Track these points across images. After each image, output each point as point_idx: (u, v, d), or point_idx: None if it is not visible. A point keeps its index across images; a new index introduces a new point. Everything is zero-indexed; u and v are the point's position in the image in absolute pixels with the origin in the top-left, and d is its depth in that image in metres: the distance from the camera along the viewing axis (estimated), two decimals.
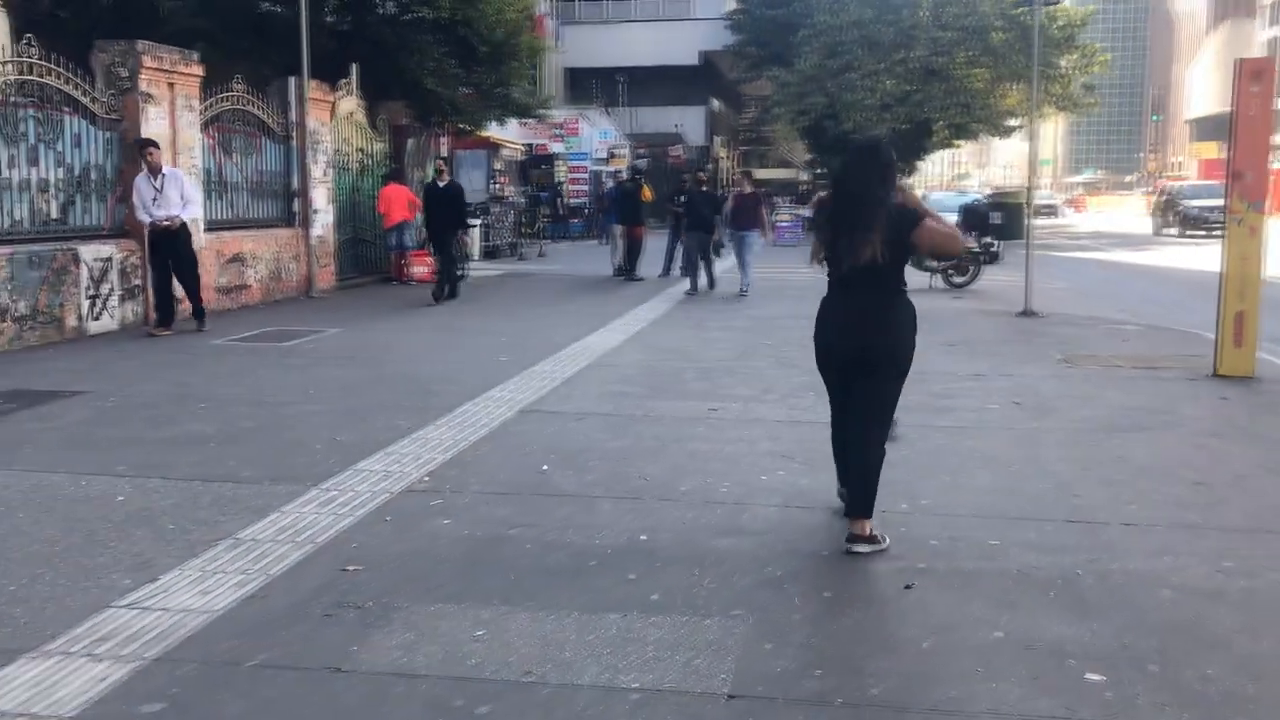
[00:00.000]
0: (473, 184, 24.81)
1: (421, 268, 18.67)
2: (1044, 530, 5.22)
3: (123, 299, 12.03)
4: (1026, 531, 5.19)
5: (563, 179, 35.08)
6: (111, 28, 19.15)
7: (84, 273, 11.38)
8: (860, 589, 4.48)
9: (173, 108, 12.72)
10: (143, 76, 12.19)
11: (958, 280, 18.23)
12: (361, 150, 18.48)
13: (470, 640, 3.91)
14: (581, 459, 6.47)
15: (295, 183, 15.84)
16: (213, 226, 13.84)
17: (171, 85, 12.70)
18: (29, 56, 10.97)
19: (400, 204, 18.28)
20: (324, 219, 16.49)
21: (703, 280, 16.70)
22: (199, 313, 11.99)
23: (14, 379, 8.86)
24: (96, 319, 11.60)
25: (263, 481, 5.92)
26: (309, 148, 15.91)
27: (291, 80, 15.72)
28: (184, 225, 11.40)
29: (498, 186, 25.23)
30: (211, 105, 13.80)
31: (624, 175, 24.73)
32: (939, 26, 35.92)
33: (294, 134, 15.74)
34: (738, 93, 56.40)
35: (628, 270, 19.51)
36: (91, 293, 11.52)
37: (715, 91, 55.33)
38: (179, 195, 11.18)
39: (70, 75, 11.46)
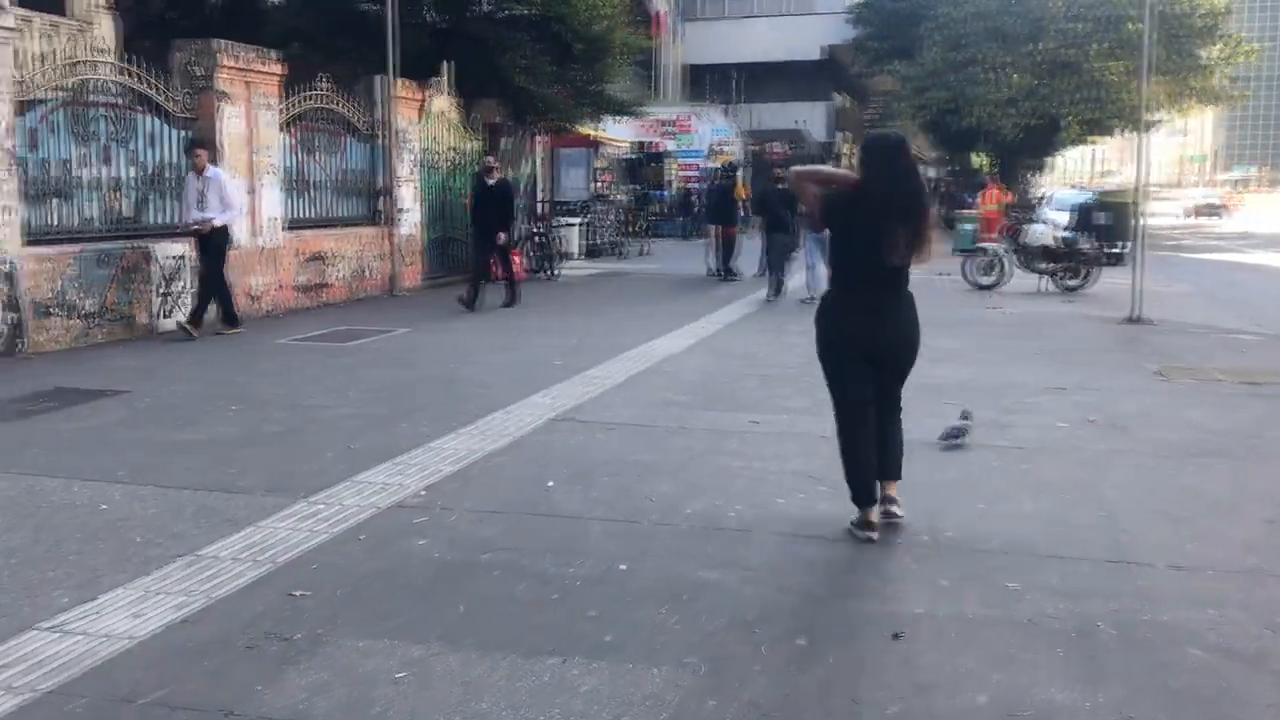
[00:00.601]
0: (572, 183, 24.69)
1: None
2: (1075, 571, 4.64)
3: (193, 297, 12.11)
4: (1054, 572, 4.62)
5: (672, 176, 34.74)
6: (219, 29, 19.58)
7: (155, 271, 11.48)
8: (841, 636, 4.00)
9: (250, 106, 12.78)
10: (219, 75, 12.25)
11: (1070, 283, 17.27)
12: (454, 149, 18.41)
13: (387, 683, 3.58)
14: (593, 475, 6.10)
15: (381, 181, 15.82)
16: (293, 225, 13.89)
17: (249, 84, 12.76)
18: (99, 57, 11.07)
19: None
20: (410, 218, 16.46)
21: (796, 282, 16.12)
22: (227, 316, 11.56)
23: (67, 376, 8.91)
24: (168, 316, 11.69)
25: (255, 492, 5.71)
26: (395, 146, 15.88)
27: (379, 79, 15.70)
28: (219, 230, 11.22)
29: (599, 185, 25.01)
30: (294, 104, 13.84)
31: (719, 173, 24.32)
32: (1070, 18, 34.37)
33: (381, 132, 15.72)
34: (862, 87, 55.19)
35: (723, 270, 19.08)
36: (163, 290, 11.62)
37: (839, 86, 54.23)
38: (218, 199, 11.04)
39: (145, 75, 11.57)
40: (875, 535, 5.01)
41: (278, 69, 13.22)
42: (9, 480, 5.88)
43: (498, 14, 18.49)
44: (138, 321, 11.27)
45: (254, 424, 7.34)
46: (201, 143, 11.44)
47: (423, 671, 3.66)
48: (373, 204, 15.85)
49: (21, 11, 16.99)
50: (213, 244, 11.19)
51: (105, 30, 17.22)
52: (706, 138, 40.02)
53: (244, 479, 5.95)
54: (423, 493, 5.73)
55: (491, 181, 14.45)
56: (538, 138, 20.88)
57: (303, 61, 17.40)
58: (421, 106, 16.81)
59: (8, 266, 9.61)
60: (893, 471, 5.25)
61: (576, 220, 23.85)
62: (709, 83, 46.83)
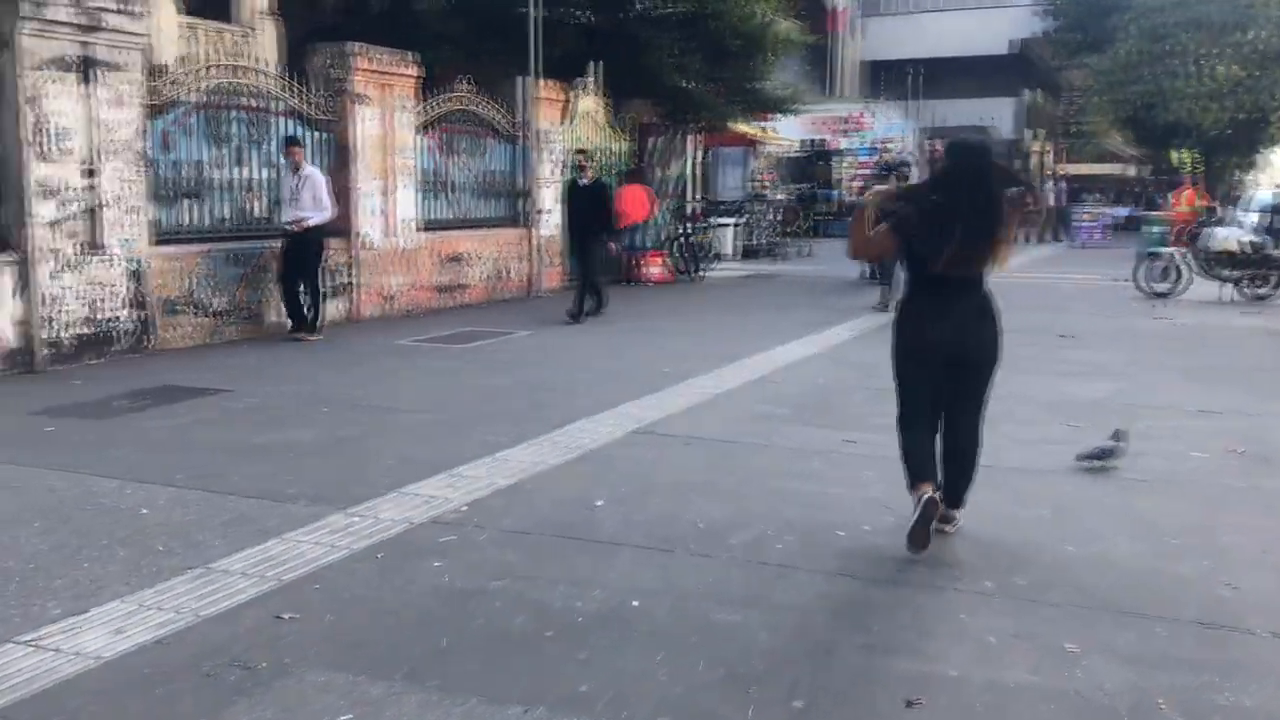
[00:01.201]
0: (731, 182, 24.28)
1: (655, 268, 18.30)
2: (1152, 632, 4.01)
3: (329, 296, 12.29)
4: (1128, 633, 4.00)
5: (843, 175, 33.83)
6: (381, 33, 20.03)
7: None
8: (847, 701, 3.52)
9: (387, 109, 12.91)
10: (355, 78, 12.41)
11: (1260, 291, 15.82)
12: (602, 150, 18.28)
13: None
14: (649, 495, 5.73)
15: (522, 183, 15.80)
16: (431, 226, 14.00)
17: (386, 86, 12.89)
18: (234, 60, 11.33)
19: (636, 204, 17.94)
20: (552, 219, 16.39)
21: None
22: (312, 321, 11.21)
23: (181, 374, 9.09)
24: None
25: (299, 500, 5.58)
26: (537, 147, 15.83)
27: (521, 79, 15.69)
28: (312, 230, 11.03)
29: (758, 184, 24.52)
30: (434, 106, 13.93)
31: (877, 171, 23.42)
32: None
33: (522, 134, 15.70)
34: (1055, 82, 52.66)
35: (874, 273, 18.31)
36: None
37: (1029, 81, 51.87)
38: (311, 197, 10.95)
39: (282, 78, 11.80)
40: (928, 493, 4.77)
41: (415, 71, 13.32)
42: (71, 480, 5.92)
43: (651, 12, 18.23)
44: (268, 320, 11.50)
45: (334, 427, 7.27)
46: (297, 140, 11.37)
47: (372, 714, 3.38)
48: (514, 205, 15.85)
49: (187, 19, 17.80)
50: (308, 244, 11.09)
51: (268, 36, 17.78)
52: (882, 135, 38.88)
53: (295, 486, 5.84)
54: (464, 508, 5.48)
55: (585, 181, 13.46)
56: (691, 137, 20.55)
57: (454, 64, 17.68)
58: (565, 107, 16.72)
59: (136, 265, 9.91)
60: (953, 499, 5.07)
61: (732, 221, 23.44)
62: (885, 79, 45.48)
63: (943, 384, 5.03)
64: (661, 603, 4.28)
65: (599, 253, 13.30)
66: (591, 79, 17.57)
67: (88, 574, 4.54)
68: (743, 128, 23.86)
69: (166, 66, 11.07)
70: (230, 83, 11.35)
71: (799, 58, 23.95)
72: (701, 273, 18.81)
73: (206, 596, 4.30)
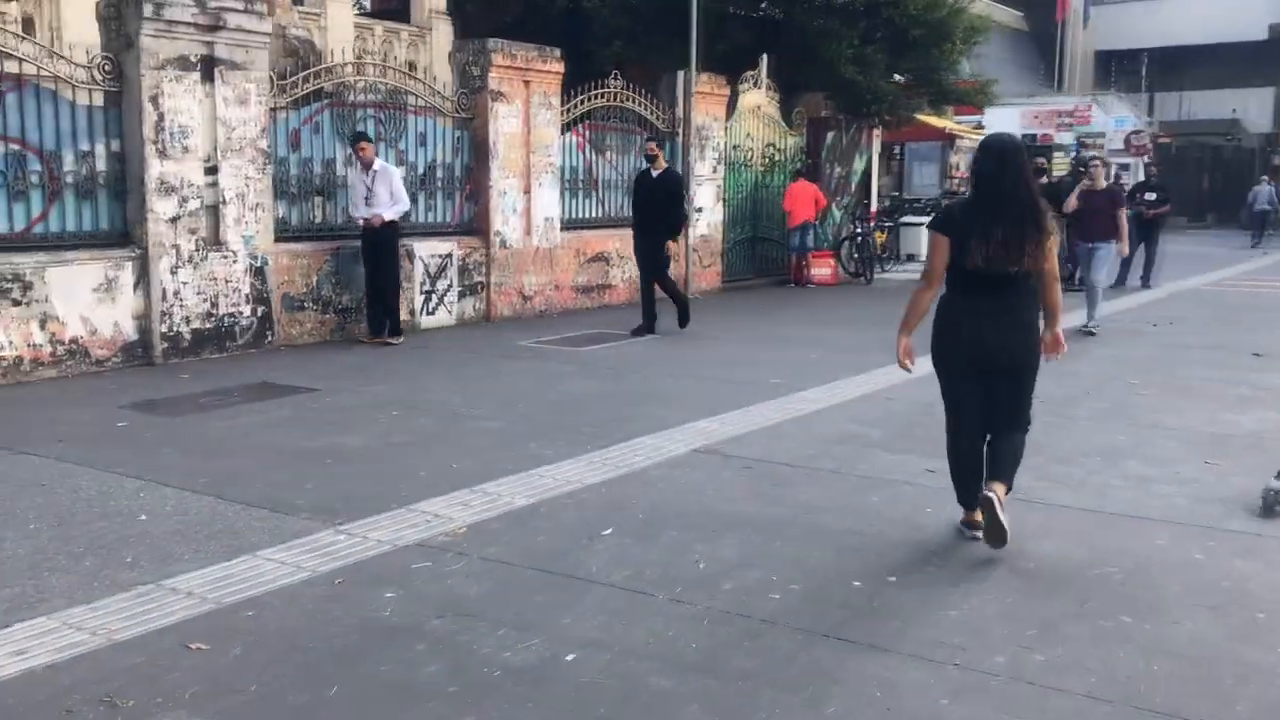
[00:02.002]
0: (924, 179, 23.11)
1: (824, 270, 17.52)
2: None
3: (462, 295, 12.23)
4: None
5: (1062, 170, 31.74)
6: (558, 31, 20.04)
7: (418, 269, 11.67)
8: None
9: (527, 105, 12.73)
10: (492, 74, 12.27)
11: None
12: (772, 145, 17.64)
13: None
14: (664, 525, 5.20)
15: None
16: (572, 225, 13.76)
17: (527, 83, 12.71)
18: (366, 59, 11.36)
19: (805, 202, 17.23)
20: (709, 217, 15.88)
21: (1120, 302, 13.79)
22: (394, 325, 10.77)
23: (283, 371, 9.13)
24: (431, 314, 11.87)
25: (300, 513, 5.34)
26: (694, 144, 15.36)
27: (680, 74, 15.24)
28: (388, 226, 10.54)
29: (954, 181, 23.20)
30: (581, 103, 13.68)
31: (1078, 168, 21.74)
32: None
33: (680, 130, 15.26)
34: None
35: (1074, 277, 16.98)
36: (426, 288, 11.80)
37: None
38: (388, 193, 10.53)
39: (415, 76, 11.80)
40: (980, 534, 4.88)
41: (557, 67, 13.08)
42: (98, 480, 5.89)
43: (826, 1, 17.44)
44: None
45: (392, 432, 7.06)
46: (366, 136, 10.75)
47: None
48: None
49: (363, 19, 18.26)
50: (384, 241, 10.61)
51: (442, 35, 18.05)
52: (1109, 129, 36.36)
53: (308, 496, 5.62)
54: (463, 530, 5.11)
55: (656, 172, 11.60)
56: (870, 131, 19.57)
57: (626, 60, 17.43)
58: (729, 102, 16.17)
59: (258, 261, 10.05)
60: (997, 472, 4.90)
61: (923, 220, 22.27)
62: (1116, 70, 42.56)
63: (981, 390, 4.97)
64: (597, 659, 3.77)
65: (658, 255, 11.60)
66: (761, 72, 16.95)
67: (41, 584, 4.41)
68: (937, 121, 22.67)
69: (302, 66, 11.20)
70: (361, 80, 11.38)
71: (1020, 48, 22.36)
72: (873, 275, 17.90)
73: (135, 617, 4.08)
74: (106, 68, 9.14)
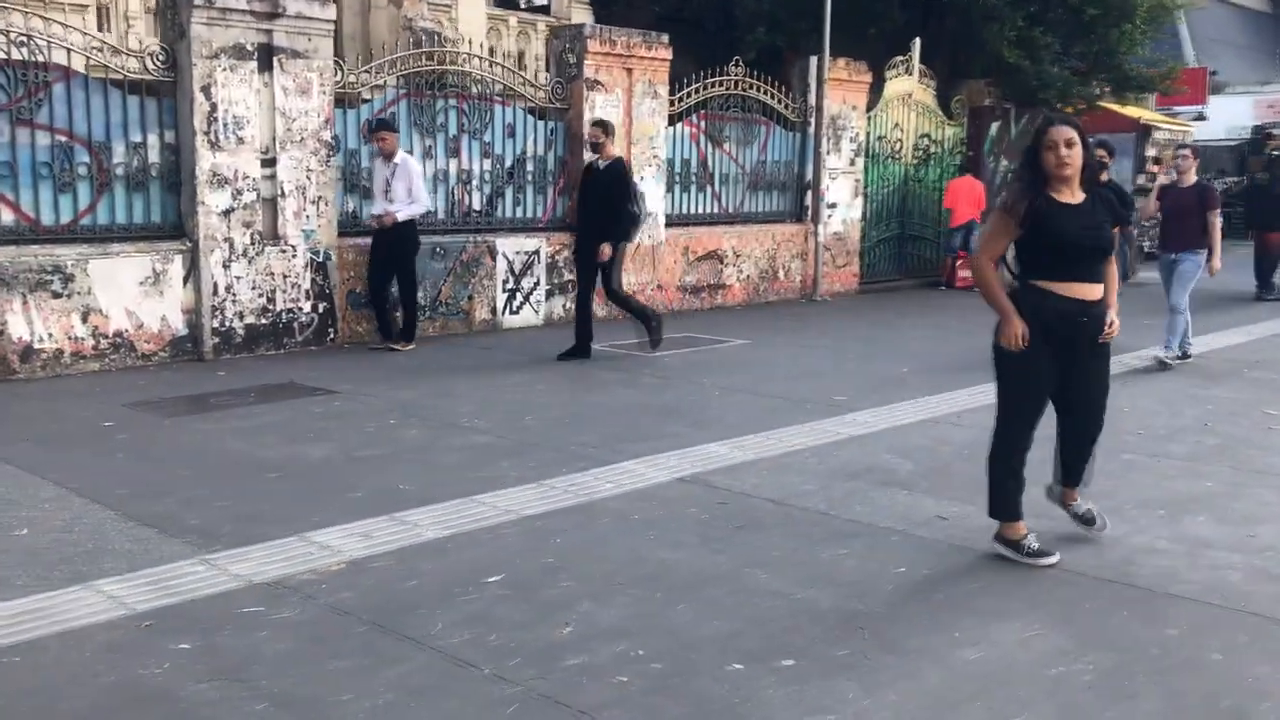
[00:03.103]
0: (1113, 173, 21.03)
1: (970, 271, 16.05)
2: None
3: (550, 294, 11.67)
4: None
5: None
6: (709, 22, 19.29)
7: (500, 266, 11.18)
8: None
9: (629, 95, 12.03)
10: (588, 62, 11.63)
11: None
12: (927, 136, 16.33)
13: None
14: (563, 573, 4.43)
15: (809, 174, 14.32)
16: (681, 221, 12.98)
17: (629, 70, 12.01)
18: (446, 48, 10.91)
19: (970, 200, 15.88)
20: (845, 214, 14.77)
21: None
22: (406, 329, 9.88)
23: (320, 371, 8.75)
24: (515, 313, 11.37)
25: (188, 535, 4.84)
26: (827, 134, 14.29)
27: (812, 60, 14.21)
28: (406, 225, 9.63)
29: (1148, 177, 21.00)
30: (694, 91, 12.88)
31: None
32: None
33: (813, 120, 14.22)
34: None
35: (1260, 288, 15.06)
36: (510, 286, 11.30)
37: None
38: (405, 189, 9.66)
39: (501, 64, 11.31)
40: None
41: (664, 54, 12.32)
42: (19, 483, 5.57)
43: None
44: (476, 316, 11.05)
45: (368, 444, 6.53)
46: (388, 124, 9.83)
47: None
48: (799, 198, 14.43)
49: (497, 12, 17.97)
50: (400, 241, 9.68)
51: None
52: None
53: (212, 515, 5.12)
54: (337, 567, 4.49)
55: (604, 163, 9.48)
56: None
57: (773, 47, 16.51)
58: (871, 89, 15.01)
59: (320, 257, 9.76)
60: (1076, 476, 4.99)
61: None
62: None
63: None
64: None
65: (596, 263, 9.42)
66: (913, 57, 15.67)
67: None
68: (1129, 110, 20.60)
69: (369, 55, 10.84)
70: (440, 69, 10.94)
71: (1258, 31, 19.84)
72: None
73: None
74: (160, 58, 9.00)
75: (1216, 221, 9.67)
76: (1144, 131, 20.94)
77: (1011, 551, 4.65)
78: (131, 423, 7.04)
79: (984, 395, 7.63)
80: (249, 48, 9.17)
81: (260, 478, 5.81)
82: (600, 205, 9.36)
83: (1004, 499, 4.72)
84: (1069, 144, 4.52)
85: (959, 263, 16.05)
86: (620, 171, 9.51)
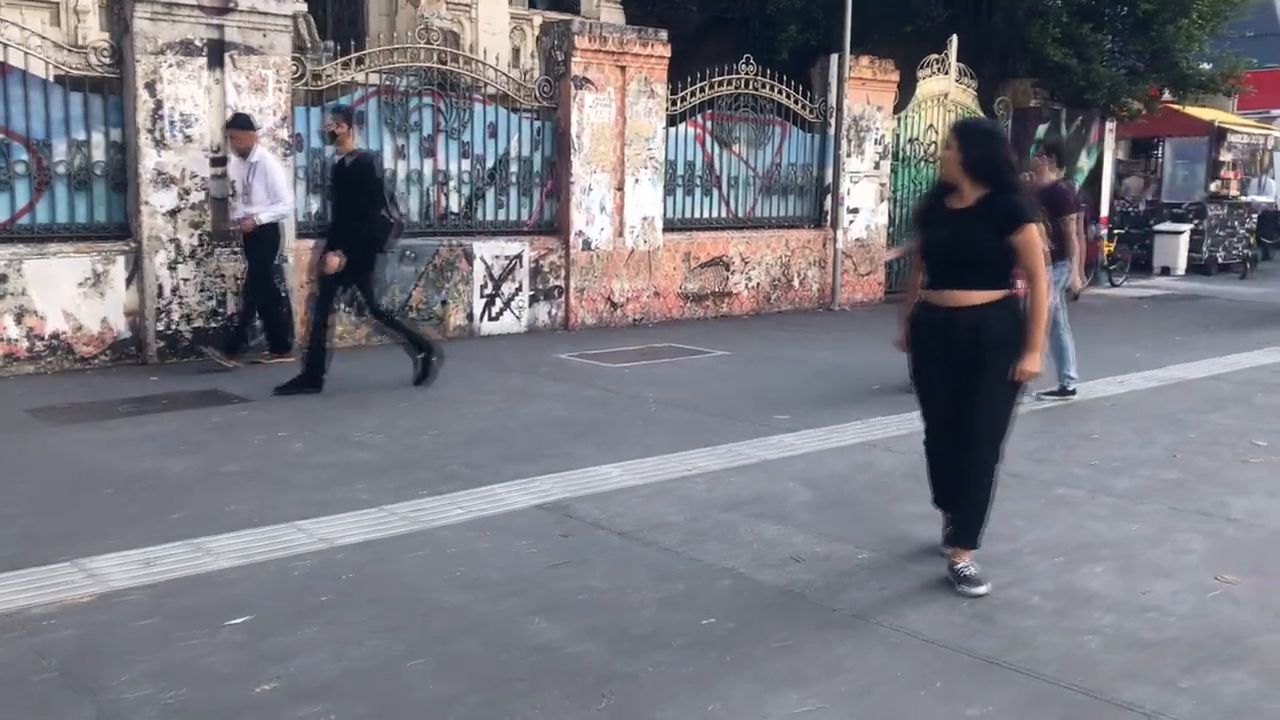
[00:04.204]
0: (1187, 181, 19.84)
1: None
2: None
3: (534, 300, 11.21)
4: None
5: None
6: (746, 22, 18.68)
7: (478, 270, 10.76)
8: None
9: (622, 94, 11.51)
10: (576, 59, 11.15)
11: None
12: None
13: None
14: (320, 618, 3.95)
15: (828, 178, 13.62)
16: (682, 226, 12.40)
17: (622, 69, 11.48)
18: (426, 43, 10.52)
19: None
20: (868, 219, 14.02)
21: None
22: (274, 342, 9.06)
23: (253, 379, 8.40)
24: (494, 319, 10.92)
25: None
26: (848, 136, 13.57)
27: (833, 58, 13.51)
28: (266, 229, 8.79)
29: (1220, 183, 19.73)
30: (699, 91, 12.31)
31: None
32: None
33: (834, 121, 13.52)
34: None
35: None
36: (489, 291, 10.87)
37: None
38: (264, 189, 8.71)
39: (481, 61, 10.90)
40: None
41: (662, 51, 11.76)
42: None
43: None
44: (451, 323, 10.64)
45: (241, 458, 6.12)
46: (244, 122, 8.79)
47: None
48: (817, 203, 13.72)
49: (521, 11, 17.58)
50: (257, 243, 8.81)
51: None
52: None
53: (7, 534, 4.76)
54: (86, 599, 4.09)
55: (347, 159, 7.97)
56: (1105, 125, 16.86)
57: (805, 46, 15.85)
58: (902, 89, 14.24)
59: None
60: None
61: (1177, 228, 19.15)
62: None
63: None
64: None
65: (327, 276, 7.97)
66: (949, 55, 14.85)
67: None
68: (1200, 112, 19.38)
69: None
70: (414, 66, 10.56)
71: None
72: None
73: None
74: (105, 53, 8.79)
75: (1071, 228, 7.81)
76: (1218, 135, 19.69)
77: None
78: (16, 429, 6.76)
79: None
80: (198, 43, 8.90)
81: (96, 494, 5.45)
82: (342, 208, 7.99)
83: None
84: (945, 146, 4.40)
85: None
86: (366, 168, 7.93)
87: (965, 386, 4.31)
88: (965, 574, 4.29)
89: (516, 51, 16.51)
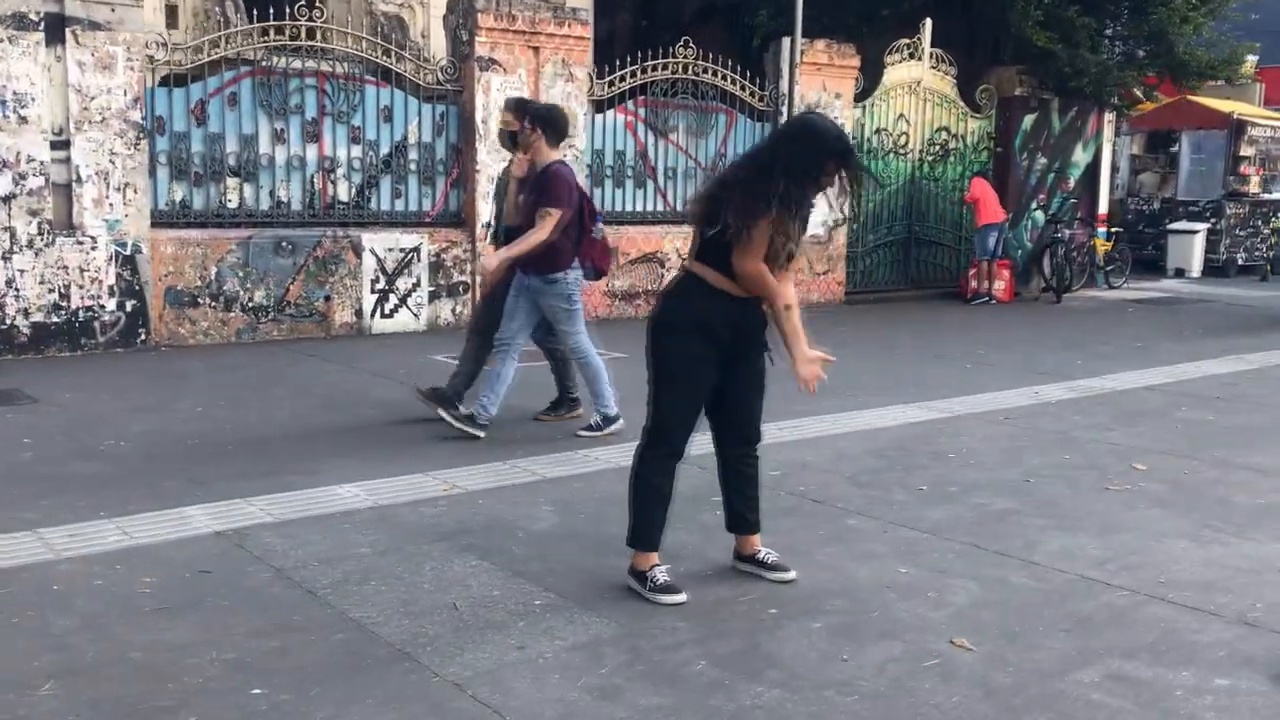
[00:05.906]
0: (1205, 177, 18.51)
1: (998, 282, 14.08)
2: None
3: (434, 296, 10.46)
4: None
5: None
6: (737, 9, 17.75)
7: (368, 263, 10.03)
8: None
9: (536, 77, 10.72)
10: (481, 38, 10.38)
11: None
12: (944, 130, 14.43)
13: None
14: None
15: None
16: (607, 219, 11.38)
17: (535, 50, 10.69)
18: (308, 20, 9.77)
19: (991, 199, 13.98)
20: (823, 214, 13.05)
21: None
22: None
23: (58, 378, 7.74)
24: (388, 316, 10.18)
25: None
26: None
27: (784, 42, 12.59)
28: None
29: (1241, 179, 18.36)
30: (628, 75, 11.46)
31: None
32: None
33: (785, 109, 12.60)
34: None
35: None
36: (380, 287, 10.14)
37: None
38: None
39: (373, 40, 10.20)
40: None
41: (582, 32, 10.96)
42: None
43: None
44: (337, 319, 9.91)
45: None
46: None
47: None
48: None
49: None
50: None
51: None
52: None
53: None
54: None
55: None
56: (1103, 116, 15.67)
57: (775, 32, 14.92)
58: (868, 74, 13.27)
59: (127, 249, 8.81)
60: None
61: (1191, 227, 17.87)
62: None
63: None
64: None
65: None
66: (922, 40, 13.85)
67: None
68: (1219, 104, 18.07)
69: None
70: (293, 46, 9.83)
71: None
72: (1064, 291, 14.27)
73: None
74: None
75: (549, 221, 6.06)
76: (1238, 128, 18.34)
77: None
78: None
79: (791, 431, 6.05)
80: (33, 17, 8.28)
81: None
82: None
83: None
84: None
85: (971, 271, 14.17)
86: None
87: None
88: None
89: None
